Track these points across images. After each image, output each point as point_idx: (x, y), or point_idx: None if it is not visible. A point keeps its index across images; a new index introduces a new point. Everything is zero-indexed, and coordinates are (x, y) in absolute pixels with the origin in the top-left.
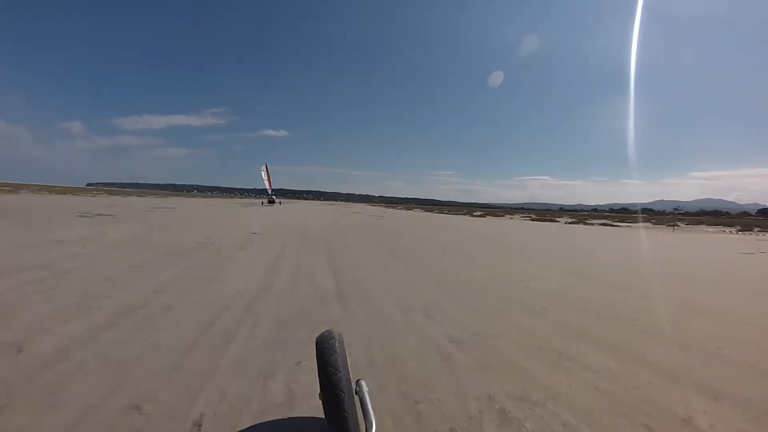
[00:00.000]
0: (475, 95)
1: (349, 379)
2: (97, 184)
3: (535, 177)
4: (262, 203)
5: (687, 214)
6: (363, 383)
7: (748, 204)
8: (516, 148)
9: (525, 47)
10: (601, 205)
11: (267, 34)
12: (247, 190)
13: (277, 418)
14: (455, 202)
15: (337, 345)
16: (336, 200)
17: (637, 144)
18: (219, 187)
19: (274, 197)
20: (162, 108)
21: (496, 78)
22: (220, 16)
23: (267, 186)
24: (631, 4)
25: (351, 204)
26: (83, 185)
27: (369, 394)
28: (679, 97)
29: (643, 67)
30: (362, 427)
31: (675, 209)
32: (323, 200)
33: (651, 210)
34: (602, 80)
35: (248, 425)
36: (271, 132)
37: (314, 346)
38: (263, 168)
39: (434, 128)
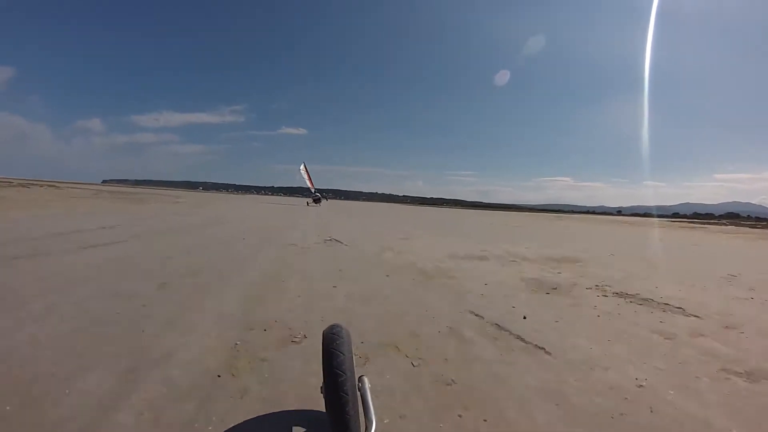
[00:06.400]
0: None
1: (353, 380)
2: (111, 181)
3: (555, 178)
4: (308, 203)
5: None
6: (365, 380)
7: None
8: (536, 149)
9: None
10: (624, 208)
11: (287, 35)
12: (263, 188)
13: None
14: (479, 203)
15: (344, 343)
16: (357, 199)
17: (658, 144)
18: (233, 184)
19: (318, 195)
20: (181, 106)
21: (503, 77)
22: (240, 18)
23: (309, 185)
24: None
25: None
26: (99, 182)
27: (371, 391)
28: (701, 97)
29: (662, 67)
30: (362, 425)
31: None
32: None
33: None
34: (624, 80)
35: (249, 417)
36: (290, 130)
37: (320, 338)
38: (302, 167)
39: (451, 129)
